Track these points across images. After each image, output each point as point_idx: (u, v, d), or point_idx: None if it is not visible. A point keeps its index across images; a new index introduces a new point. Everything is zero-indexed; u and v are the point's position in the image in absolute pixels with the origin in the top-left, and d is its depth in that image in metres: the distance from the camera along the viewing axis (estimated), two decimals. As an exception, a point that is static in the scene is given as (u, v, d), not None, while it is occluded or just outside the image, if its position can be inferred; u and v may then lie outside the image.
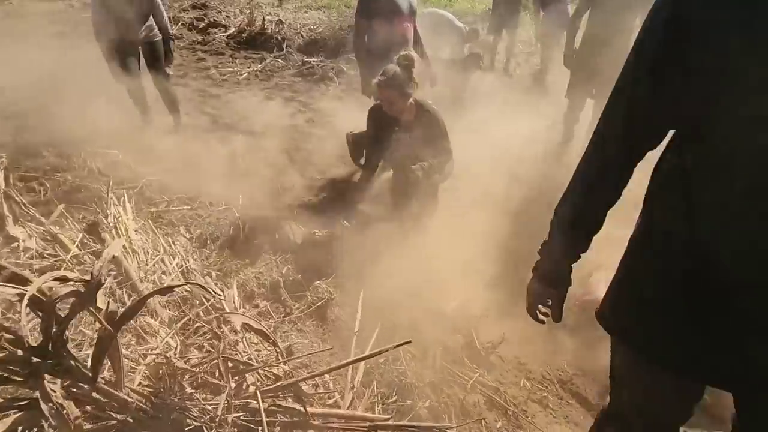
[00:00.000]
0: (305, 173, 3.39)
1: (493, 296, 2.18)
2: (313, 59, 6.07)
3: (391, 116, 2.45)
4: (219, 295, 1.63)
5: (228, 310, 1.60)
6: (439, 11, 5.94)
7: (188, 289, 1.67)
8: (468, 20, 7.41)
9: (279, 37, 6.90)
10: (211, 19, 8.18)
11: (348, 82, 5.53)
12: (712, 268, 0.74)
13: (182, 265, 1.91)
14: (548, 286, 0.98)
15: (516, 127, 3.55)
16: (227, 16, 8.62)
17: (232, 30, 7.57)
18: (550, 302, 0.99)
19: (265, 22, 7.30)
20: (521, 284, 1.08)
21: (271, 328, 1.94)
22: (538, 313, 1.02)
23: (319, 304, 2.02)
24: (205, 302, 1.58)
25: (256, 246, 2.42)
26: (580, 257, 0.96)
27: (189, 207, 2.70)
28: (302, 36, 7.08)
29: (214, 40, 7.16)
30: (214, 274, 2.10)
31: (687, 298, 0.78)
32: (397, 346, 1.19)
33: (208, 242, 2.38)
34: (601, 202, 0.89)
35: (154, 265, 1.87)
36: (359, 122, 2.86)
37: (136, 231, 2.04)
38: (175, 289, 1.54)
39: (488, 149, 3.13)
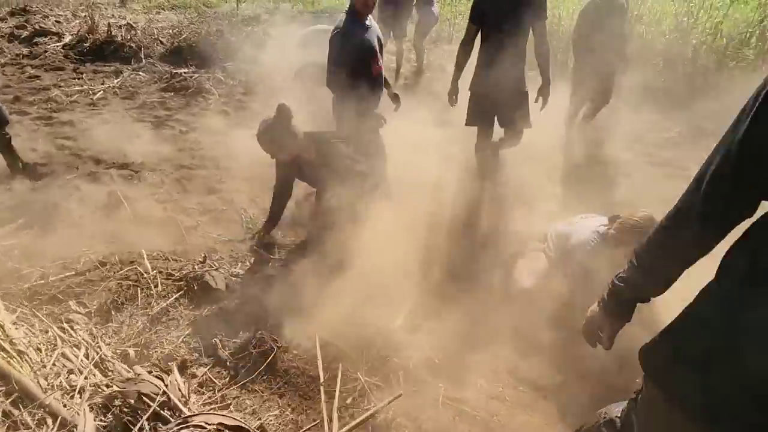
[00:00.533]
0: (208, 206, 3.06)
1: (428, 302, 2.25)
2: (183, 70, 5.44)
3: (295, 159, 2.38)
4: (160, 387, 1.38)
5: (177, 403, 1.36)
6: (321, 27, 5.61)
7: (119, 387, 1.38)
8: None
9: (133, 46, 6.04)
10: (36, 26, 6.82)
11: (229, 93, 5.11)
12: None
13: (93, 356, 1.58)
14: (610, 318, 0.98)
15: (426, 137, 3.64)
16: (57, 22, 7.27)
17: (68, 38, 6.42)
18: (603, 332, 1.01)
19: (111, 28, 6.32)
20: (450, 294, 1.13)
21: (216, 397, 1.74)
22: (594, 340, 1.05)
23: (269, 360, 1.85)
24: (150, 402, 1.32)
25: (173, 305, 2.12)
26: (649, 300, 0.95)
27: (74, 272, 2.23)
28: (162, 43, 6.30)
29: (45, 52, 5.98)
30: (132, 352, 1.78)
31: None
32: (390, 402, 1.15)
33: (113, 313, 2.01)
34: (688, 256, 0.84)
35: (54, 364, 1.51)
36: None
37: (14, 324, 1.62)
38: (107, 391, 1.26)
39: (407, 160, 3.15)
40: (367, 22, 2.60)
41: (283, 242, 2.72)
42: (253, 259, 2.54)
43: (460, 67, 3.04)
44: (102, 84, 5.14)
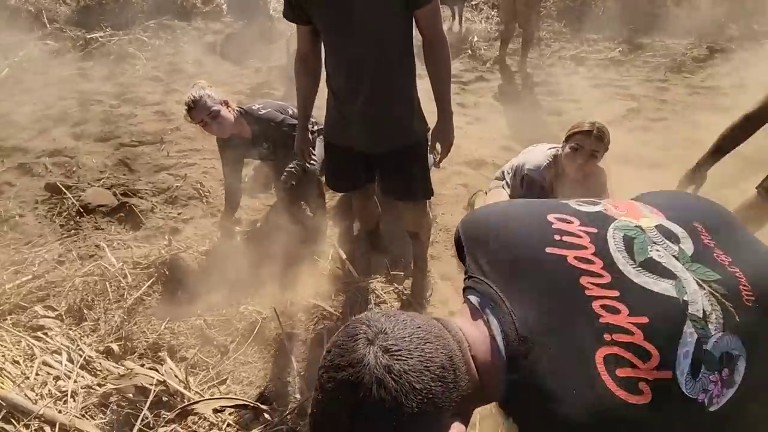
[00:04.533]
0: (160, 185, 2.91)
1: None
2: (98, 34, 4.87)
3: (234, 140, 2.25)
4: (157, 379, 1.39)
5: (177, 388, 1.39)
6: None
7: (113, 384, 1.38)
8: None
9: (32, 9, 5.28)
10: None
11: (158, 56, 4.67)
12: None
13: (77, 359, 1.55)
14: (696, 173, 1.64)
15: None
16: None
17: (-52, 7, 5.48)
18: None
19: (1, -10, 5.45)
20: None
21: (212, 374, 1.79)
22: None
23: (256, 330, 1.90)
24: (150, 391, 1.34)
25: (147, 293, 2.08)
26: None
27: (30, 276, 2.12)
28: (66, 2, 5.54)
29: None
30: (116, 348, 1.77)
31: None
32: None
33: (85, 311, 1.95)
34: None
35: (37, 374, 1.48)
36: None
37: (-19, 341, 1.55)
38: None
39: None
40: None
41: (247, 212, 2.67)
42: (219, 233, 2.49)
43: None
44: (6, 60, 4.53)
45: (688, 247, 0.65)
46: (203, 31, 5.25)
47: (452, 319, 0.67)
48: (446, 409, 0.56)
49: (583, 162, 1.90)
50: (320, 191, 2.49)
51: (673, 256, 0.64)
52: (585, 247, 0.63)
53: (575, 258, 0.62)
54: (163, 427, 1.26)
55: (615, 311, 0.57)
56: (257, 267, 2.20)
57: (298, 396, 1.69)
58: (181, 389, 1.43)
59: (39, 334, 1.67)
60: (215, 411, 1.19)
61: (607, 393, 0.52)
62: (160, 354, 1.74)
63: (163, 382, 1.37)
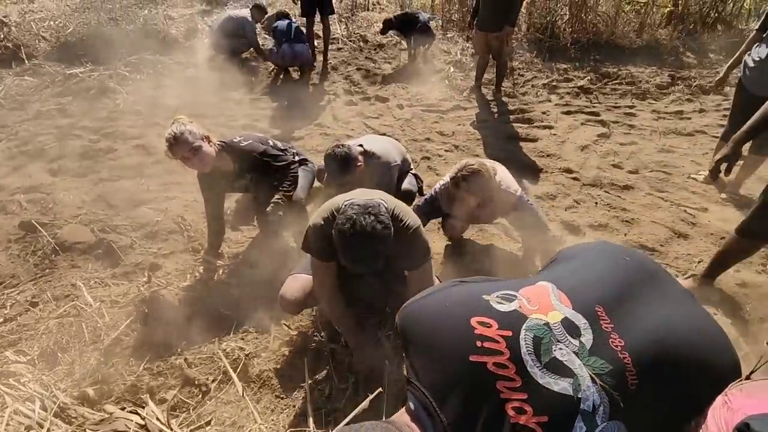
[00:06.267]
0: (140, 219, 2.87)
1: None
2: (78, 69, 4.88)
3: (216, 173, 2.28)
4: (137, 422, 1.35)
5: (163, 428, 1.35)
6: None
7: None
8: None
9: (10, 45, 5.28)
10: None
11: (138, 90, 4.69)
12: None
13: (50, 406, 1.49)
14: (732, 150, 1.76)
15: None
16: None
17: None
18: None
19: (-23, 27, 5.45)
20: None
21: (193, 417, 1.73)
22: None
23: (239, 368, 1.86)
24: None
25: (125, 333, 2.03)
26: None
27: (1, 319, 2.04)
28: (45, 39, 5.56)
29: None
30: (91, 392, 1.70)
31: None
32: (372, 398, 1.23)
33: (59, 355, 1.88)
34: None
35: (8, 423, 1.41)
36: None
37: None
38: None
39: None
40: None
41: (230, 245, 2.66)
42: (201, 268, 2.47)
43: None
44: (-20, 95, 4.49)
45: (587, 339, 0.78)
46: (185, 65, 5.31)
47: (404, 421, 0.78)
48: None
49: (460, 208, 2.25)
50: (306, 221, 2.51)
51: (574, 352, 0.77)
52: (501, 353, 0.75)
53: (494, 364, 0.74)
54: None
55: (523, 412, 0.70)
56: (240, 301, 2.18)
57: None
58: (165, 430, 1.38)
59: (11, 380, 1.60)
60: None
61: None
62: (141, 396, 1.68)
63: (145, 426, 1.32)
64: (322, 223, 1.67)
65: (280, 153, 2.42)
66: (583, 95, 4.94)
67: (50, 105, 4.36)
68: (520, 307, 0.82)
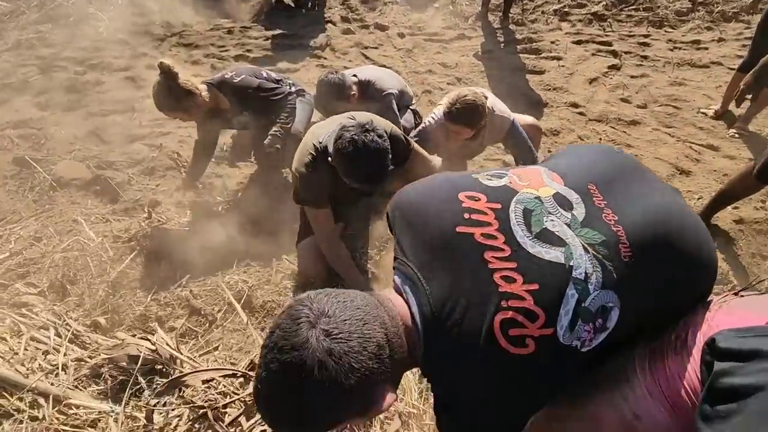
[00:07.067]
0: (135, 155, 2.82)
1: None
2: (54, -8, 4.52)
3: (212, 112, 2.24)
4: (148, 347, 1.42)
5: (173, 353, 1.42)
6: None
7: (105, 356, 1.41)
8: None
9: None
10: None
11: (122, 16, 4.38)
12: None
13: (65, 333, 1.57)
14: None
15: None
16: None
17: None
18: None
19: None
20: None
21: (201, 343, 1.83)
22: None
23: (243, 299, 1.93)
24: (142, 361, 1.37)
25: (130, 266, 2.08)
26: None
27: (8, 253, 2.08)
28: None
29: None
30: (103, 321, 1.78)
31: None
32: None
33: (68, 287, 1.94)
34: None
35: (26, 349, 1.49)
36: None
37: (-36, 321, 1.55)
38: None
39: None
40: None
41: (228, 181, 2.64)
42: (183, 190, 2.48)
43: None
44: (-46, 23, 4.21)
45: (579, 212, 0.76)
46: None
47: (386, 294, 0.76)
48: (381, 381, 0.66)
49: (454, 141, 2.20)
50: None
51: (566, 223, 0.74)
52: (490, 224, 0.73)
53: (481, 235, 0.72)
54: (155, 399, 1.30)
55: (512, 281, 0.68)
56: (241, 236, 2.20)
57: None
58: (175, 353, 1.46)
59: (23, 310, 1.66)
60: (204, 382, 1.23)
61: (499, 349, 0.66)
62: (150, 324, 1.76)
63: (155, 351, 1.40)
64: (306, 170, 1.64)
65: (276, 85, 2.32)
66: (596, 22, 4.62)
67: (29, 33, 4.11)
68: (510, 183, 0.80)
